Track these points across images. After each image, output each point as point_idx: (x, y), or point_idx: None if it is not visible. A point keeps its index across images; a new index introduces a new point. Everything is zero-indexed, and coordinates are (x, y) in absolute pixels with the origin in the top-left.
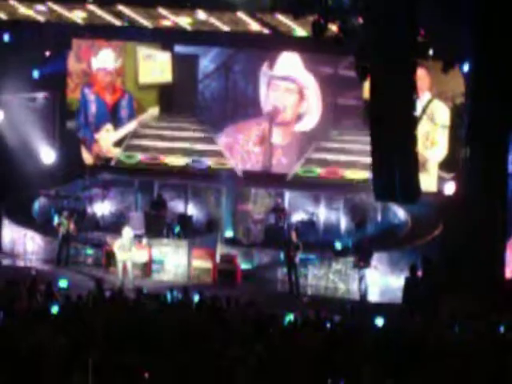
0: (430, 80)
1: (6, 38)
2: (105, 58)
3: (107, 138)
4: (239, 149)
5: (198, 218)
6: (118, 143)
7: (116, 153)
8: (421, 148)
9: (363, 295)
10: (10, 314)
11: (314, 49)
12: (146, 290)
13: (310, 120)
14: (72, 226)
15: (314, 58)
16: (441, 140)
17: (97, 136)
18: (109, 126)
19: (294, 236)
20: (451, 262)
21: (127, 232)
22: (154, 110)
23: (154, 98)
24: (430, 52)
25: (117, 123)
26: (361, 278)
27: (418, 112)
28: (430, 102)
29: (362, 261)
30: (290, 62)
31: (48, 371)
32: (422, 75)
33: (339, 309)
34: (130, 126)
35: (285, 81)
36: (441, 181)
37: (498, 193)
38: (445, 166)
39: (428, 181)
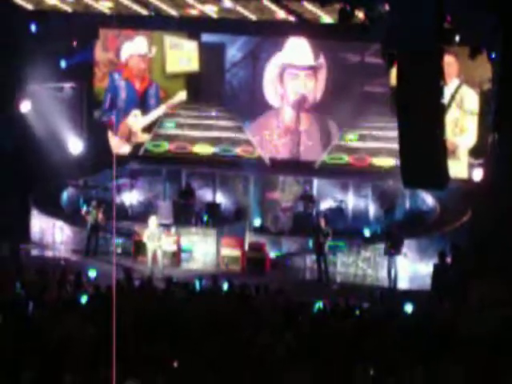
0: (459, 66)
1: (33, 28)
2: (139, 45)
3: (135, 123)
4: (267, 143)
5: (226, 206)
6: (146, 129)
7: (144, 138)
8: (450, 135)
9: (393, 282)
10: (40, 305)
11: (340, 36)
12: (176, 278)
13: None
14: (100, 216)
15: (340, 45)
16: (470, 126)
17: (125, 120)
18: (137, 112)
19: (323, 223)
20: (480, 248)
21: (153, 221)
22: (182, 94)
23: (181, 86)
24: (457, 38)
25: (145, 109)
26: (390, 265)
27: (446, 99)
28: (458, 88)
29: (393, 248)
30: (299, 48)
31: (77, 361)
32: (450, 61)
33: (368, 296)
34: (158, 111)
35: (302, 69)
36: (470, 167)
37: None
38: (474, 152)
39: (459, 167)
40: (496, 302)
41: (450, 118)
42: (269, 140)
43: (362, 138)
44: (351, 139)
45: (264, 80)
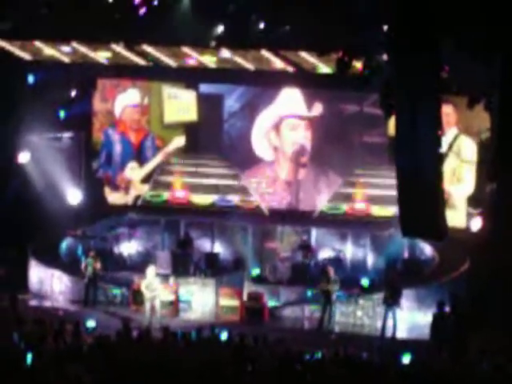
0: (457, 116)
1: (31, 79)
2: (132, 96)
3: (133, 175)
4: (265, 194)
5: (224, 256)
6: (145, 180)
7: (144, 190)
8: (447, 184)
9: (391, 332)
10: (39, 355)
11: (338, 87)
12: (174, 329)
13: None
14: (98, 266)
15: (338, 95)
16: (467, 176)
17: (122, 174)
18: (133, 164)
19: (331, 272)
20: (477, 298)
21: (151, 271)
22: (179, 140)
23: (179, 136)
24: (454, 88)
25: (142, 161)
26: (387, 315)
27: (444, 148)
28: (456, 137)
29: (391, 298)
30: (294, 99)
31: None
32: (448, 111)
33: (367, 346)
34: (156, 160)
35: (301, 119)
36: (468, 217)
37: None
38: (472, 201)
39: (456, 217)
40: (496, 353)
41: (448, 167)
42: (255, 188)
43: (359, 187)
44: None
45: (254, 133)
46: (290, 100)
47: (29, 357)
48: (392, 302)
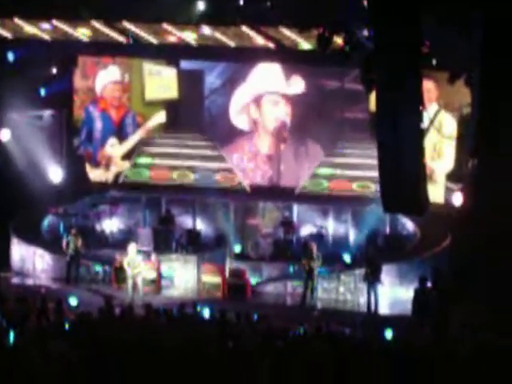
0: (438, 91)
1: (12, 56)
2: (113, 73)
3: (113, 152)
4: (246, 170)
5: (206, 233)
6: (125, 156)
7: (124, 166)
8: (428, 159)
9: (374, 308)
10: (21, 333)
11: (319, 62)
12: (156, 305)
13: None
14: (80, 244)
15: (319, 71)
16: (448, 151)
17: (103, 150)
18: (113, 140)
19: (314, 248)
20: (459, 272)
21: (133, 248)
22: (160, 116)
23: (160, 113)
24: (434, 62)
25: (122, 138)
26: (370, 291)
27: (425, 123)
28: (437, 113)
29: (372, 275)
30: (274, 74)
31: None
32: (429, 87)
33: (349, 322)
34: (136, 136)
35: (282, 96)
36: (448, 192)
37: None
38: (452, 177)
39: (435, 192)
40: (476, 328)
41: (429, 142)
42: (236, 164)
43: (342, 164)
44: (325, 174)
45: (232, 106)
46: (270, 75)
47: (11, 335)
48: (373, 278)
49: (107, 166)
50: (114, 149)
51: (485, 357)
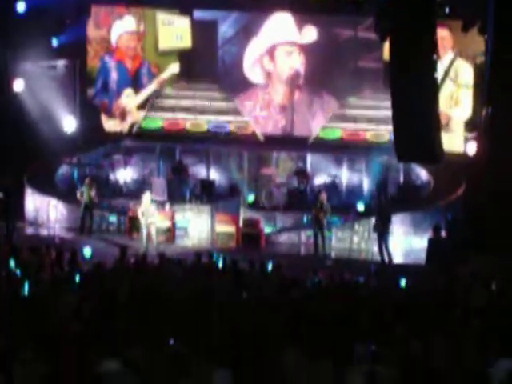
0: (453, 40)
1: (24, 6)
2: (128, 23)
3: (129, 102)
4: (260, 119)
5: (220, 182)
6: (140, 106)
7: (140, 116)
8: (445, 107)
9: (385, 258)
10: (36, 284)
11: (332, 11)
12: (170, 255)
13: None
14: (94, 194)
15: (332, 20)
16: (465, 99)
17: (118, 101)
18: (129, 91)
19: (324, 198)
20: (474, 221)
21: (147, 197)
22: (174, 67)
23: (174, 63)
24: (447, 11)
25: (138, 88)
26: (381, 242)
27: (440, 72)
28: (452, 61)
29: (382, 225)
30: (287, 24)
31: (74, 341)
32: (444, 35)
33: (363, 270)
34: (151, 87)
35: (295, 45)
36: (465, 141)
37: None
38: (468, 125)
39: (454, 141)
40: (490, 275)
41: (445, 91)
42: (248, 111)
43: (356, 113)
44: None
45: (246, 58)
46: (283, 26)
47: (26, 285)
48: (382, 228)
49: (122, 117)
50: (130, 99)
51: (495, 310)
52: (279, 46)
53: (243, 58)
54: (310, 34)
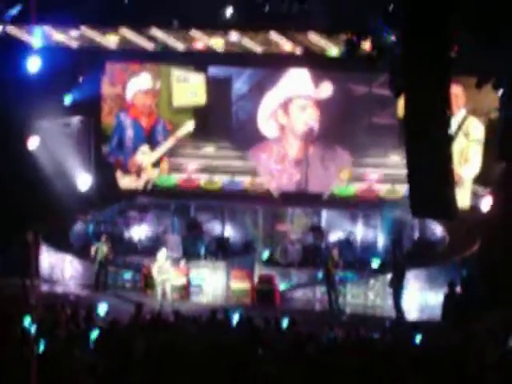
0: (466, 96)
1: (40, 64)
2: (144, 80)
3: (144, 159)
4: (263, 168)
5: (235, 239)
6: (156, 164)
7: (155, 174)
8: (456, 165)
9: (401, 313)
10: (51, 341)
11: (347, 68)
12: (185, 312)
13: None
14: (109, 250)
15: (347, 76)
16: (474, 156)
17: (134, 158)
18: (144, 148)
19: (335, 254)
20: (489, 277)
21: (162, 254)
22: (189, 124)
23: (189, 119)
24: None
25: (153, 145)
26: (396, 297)
27: (453, 128)
28: (465, 118)
29: (396, 280)
30: (302, 79)
31: None
32: (457, 92)
33: (378, 326)
34: (166, 145)
35: (310, 100)
36: (475, 196)
37: None
38: (480, 181)
39: (461, 197)
40: (505, 331)
41: (457, 147)
42: (264, 165)
43: (370, 169)
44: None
45: (260, 111)
46: (298, 80)
47: (41, 343)
48: (397, 284)
49: (138, 174)
50: (145, 156)
51: (510, 366)
52: (294, 100)
53: (257, 113)
54: (326, 89)
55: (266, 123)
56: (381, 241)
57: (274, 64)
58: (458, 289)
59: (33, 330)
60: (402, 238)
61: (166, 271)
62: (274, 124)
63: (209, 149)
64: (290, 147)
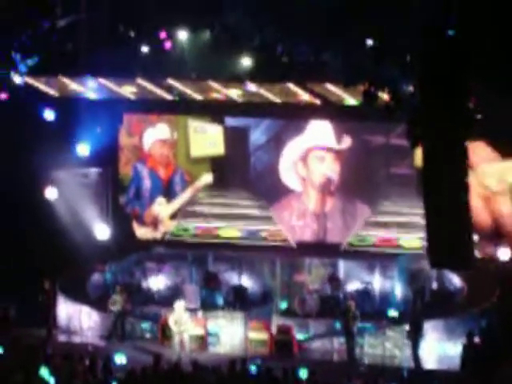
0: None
1: (57, 114)
2: (162, 131)
3: (161, 211)
4: (292, 226)
5: (252, 289)
6: (173, 216)
7: (172, 226)
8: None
9: (418, 364)
10: None
11: (364, 118)
12: (203, 362)
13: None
14: (126, 301)
15: (364, 127)
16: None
17: (150, 209)
18: (161, 199)
19: (352, 305)
20: (509, 327)
21: (179, 305)
22: (207, 177)
23: (207, 170)
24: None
25: (171, 197)
26: (414, 348)
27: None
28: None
29: (414, 332)
30: (322, 131)
31: None
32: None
33: (396, 377)
34: (183, 196)
35: (328, 152)
36: (495, 245)
37: None
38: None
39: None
40: None
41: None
42: (286, 221)
43: (388, 219)
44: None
45: (282, 164)
46: (320, 132)
47: None
48: (415, 335)
49: (155, 226)
50: (162, 208)
51: None
52: (312, 151)
53: (275, 165)
54: (345, 141)
55: (287, 174)
56: (398, 291)
57: (291, 114)
58: (477, 339)
59: (52, 381)
60: (425, 291)
61: (184, 322)
62: (295, 176)
63: (226, 199)
64: (310, 200)
